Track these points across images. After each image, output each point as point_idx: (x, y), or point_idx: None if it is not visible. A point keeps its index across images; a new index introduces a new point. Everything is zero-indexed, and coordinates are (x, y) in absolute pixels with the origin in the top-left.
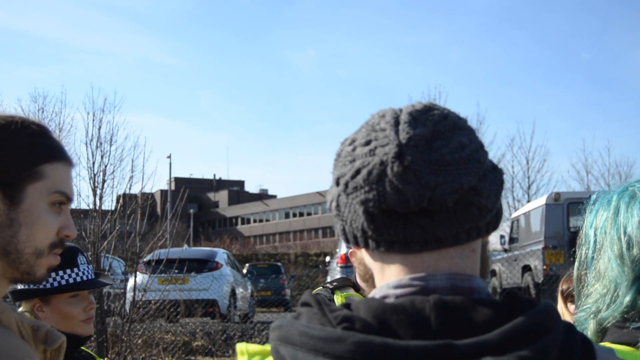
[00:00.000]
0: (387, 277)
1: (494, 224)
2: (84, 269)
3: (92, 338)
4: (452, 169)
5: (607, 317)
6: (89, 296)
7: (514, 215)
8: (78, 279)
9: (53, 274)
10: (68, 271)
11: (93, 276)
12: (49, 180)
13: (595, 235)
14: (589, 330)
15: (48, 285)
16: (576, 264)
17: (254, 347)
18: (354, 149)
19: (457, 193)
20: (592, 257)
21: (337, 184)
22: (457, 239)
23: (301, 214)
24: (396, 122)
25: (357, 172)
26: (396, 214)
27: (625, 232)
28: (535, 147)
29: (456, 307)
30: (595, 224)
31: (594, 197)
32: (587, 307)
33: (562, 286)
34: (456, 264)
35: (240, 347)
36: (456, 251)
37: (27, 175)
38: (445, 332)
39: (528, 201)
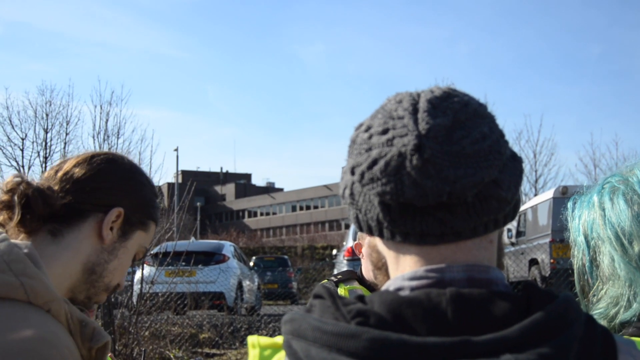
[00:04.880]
0: (402, 268)
1: (511, 215)
2: None
3: None
4: (472, 162)
5: (629, 317)
6: None
7: (521, 208)
8: None
9: None
10: None
11: None
12: (147, 235)
13: (586, 240)
14: None
15: None
16: (575, 276)
17: (265, 340)
18: (370, 137)
19: (478, 187)
20: (591, 263)
21: (352, 172)
22: (475, 231)
23: (308, 207)
24: (415, 110)
25: (374, 162)
26: (413, 207)
27: (620, 228)
28: (543, 141)
29: (473, 301)
30: (583, 230)
31: (570, 204)
32: (598, 312)
33: None
34: (474, 256)
35: (252, 339)
36: (474, 243)
37: (143, 222)
38: (462, 326)
39: (535, 195)
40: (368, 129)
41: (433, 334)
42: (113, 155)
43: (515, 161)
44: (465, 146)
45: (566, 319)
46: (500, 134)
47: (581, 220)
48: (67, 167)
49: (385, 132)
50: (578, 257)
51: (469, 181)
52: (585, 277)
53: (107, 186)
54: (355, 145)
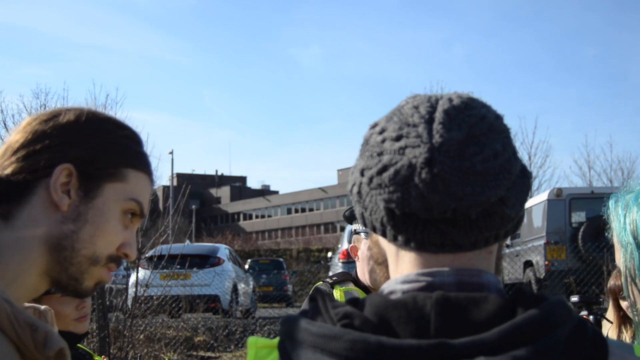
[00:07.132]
0: (400, 269)
1: (513, 230)
2: None
3: (94, 333)
4: (481, 180)
5: None
6: None
7: None
8: None
9: None
10: None
11: None
12: (130, 185)
13: (635, 241)
14: None
15: None
16: (622, 280)
17: (263, 341)
18: (383, 141)
19: (483, 205)
20: None
21: (362, 174)
22: (475, 245)
23: (303, 210)
24: (430, 120)
25: (384, 169)
26: (417, 217)
27: None
28: (538, 143)
29: (458, 304)
30: (631, 229)
31: (611, 203)
32: None
33: (611, 282)
34: (471, 265)
35: (251, 340)
36: (473, 254)
37: (110, 172)
38: (444, 330)
39: (530, 197)
40: (382, 131)
41: (415, 336)
42: (55, 111)
43: (524, 177)
44: (476, 163)
45: (549, 322)
46: (513, 151)
47: (628, 219)
48: (9, 138)
49: (398, 138)
50: (626, 258)
51: (476, 200)
52: (636, 280)
53: (44, 145)
54: (367, 146)
